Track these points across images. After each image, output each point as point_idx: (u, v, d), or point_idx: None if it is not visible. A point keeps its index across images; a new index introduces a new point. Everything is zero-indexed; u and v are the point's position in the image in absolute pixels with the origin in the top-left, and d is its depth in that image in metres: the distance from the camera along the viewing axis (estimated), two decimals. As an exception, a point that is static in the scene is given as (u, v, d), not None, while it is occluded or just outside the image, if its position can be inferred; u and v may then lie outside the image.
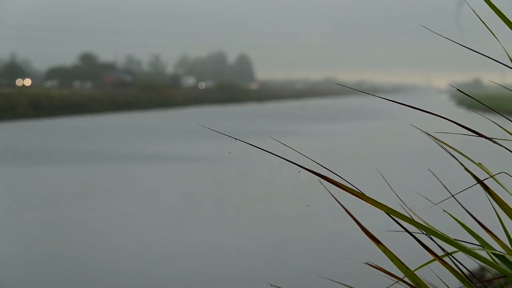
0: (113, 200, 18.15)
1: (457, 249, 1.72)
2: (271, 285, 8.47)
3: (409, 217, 1.65)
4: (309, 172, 1.64)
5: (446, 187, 2.13)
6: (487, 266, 1.80)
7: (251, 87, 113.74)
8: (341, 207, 1.81)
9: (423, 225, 1.61)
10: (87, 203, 17.77)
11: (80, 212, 16.29)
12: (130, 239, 13.64)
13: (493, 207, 1.84)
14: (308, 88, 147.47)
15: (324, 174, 1.64)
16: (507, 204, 1.78)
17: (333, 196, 2.03)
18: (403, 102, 1.88)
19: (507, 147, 1.77)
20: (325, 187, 2.07)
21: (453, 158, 1.92)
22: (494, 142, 1.73)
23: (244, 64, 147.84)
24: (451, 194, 1.97)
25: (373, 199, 1.60)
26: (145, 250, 12.72)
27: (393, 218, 1.68)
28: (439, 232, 1.78)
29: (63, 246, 13.19)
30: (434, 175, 2.37)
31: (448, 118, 1.70)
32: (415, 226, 1.60)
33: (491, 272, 2.25)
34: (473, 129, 1.74)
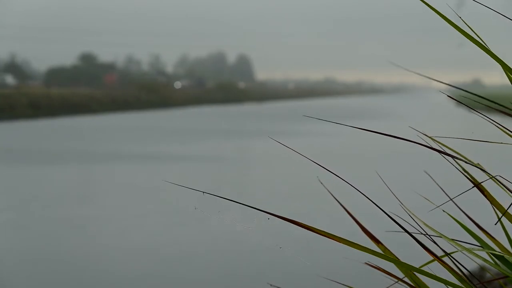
0: (113, 200, 18.15)
1: (456, 249, 1.72)
2: (270, 285, 8.46)
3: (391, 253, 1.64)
4: (281, 216, 1.65)
5: (446, 188, 2.13)
6: (487, 265, 1.80)
7: (239, 87, 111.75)
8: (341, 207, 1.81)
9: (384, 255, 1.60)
10: (87, 203, 17.77)
11: (79, 212, 16.29)
12: (129, 239, 13.64)
13: (493, 208, 1.84)
14: (300, 88, 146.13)
15: (295, 220, 1.64)
16: (503, 206, 1.77)
17: (333, 196, 2.02)
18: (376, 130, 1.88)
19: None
20: (324, 187, 2.06)
21: (452, 159, 1.91)
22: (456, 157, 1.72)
23: (244, 64, 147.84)
24: (449, 198, 1.96)
25: (345, 239, 1.59)
26: (146, 250, 12.72)
27: (393, 220, 1.68)
28: (439, 234, 1.77)
29: (64, 246, 13.18)
30: (431, 177, 2.37)
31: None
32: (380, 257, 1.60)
33: (490, 272, 2.25)
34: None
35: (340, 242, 1.60)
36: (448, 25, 1.68)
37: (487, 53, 1.64)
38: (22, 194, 19.38)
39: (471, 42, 1.65)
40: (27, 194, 19.30)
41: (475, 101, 1.95)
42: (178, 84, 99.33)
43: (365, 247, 1.59)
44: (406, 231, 1.62)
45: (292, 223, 1.63)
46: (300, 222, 1.63)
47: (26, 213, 16.33)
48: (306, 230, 1.64)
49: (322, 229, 1.64)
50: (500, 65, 1.67)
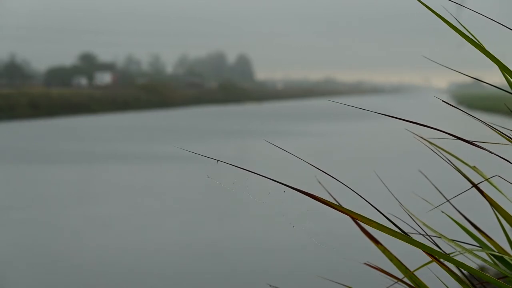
0: (113, 200, 18.15)
1: (456, 250, 1.71)
2: (270, 285, 8.46)
3: (401, 232, 1.64)
4: (297, 188, 1.63)
5: (443, 190, 2.13)
6: (486, 266, 1.80)
7: (240, 87, 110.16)
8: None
9: (408, 237, 1.59)
10: (86, 203, 17.77)
11: (79, 212, 16.29)
12: (127, 238, 13.65)
13: (493, 210, 1.83)
14: (289, 88, 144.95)
15: (309, 192, 1.63)
16: (501, 207, 1.77)
17: (332, 196, 2.02)
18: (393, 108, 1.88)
19: (500, 150, 1.76)
20: (324, 188, 2.06)
21: (449, 161, 1.91)
22: (481, 147, 1.72)
23: (244, 64, 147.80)
24: (446, 199, 1.96)
25: (361, 215, 1.59)
26: (146, 249, 12.73)
27: (390, 220, 1.68)
28: (438, 234, 1.77)
29: (63, 246, 13.18)
30: (427, 178, 2.36)
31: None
32: (402, 240, 1.59)
33: (490, 273, 2.25)
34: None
35: (354, 217, 1.59)
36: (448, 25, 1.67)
37: (484, 54, 1.64)
38: (20, 193, 19.38)
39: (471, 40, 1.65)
40: (26, 194, 19.31)
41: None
42: (103, 78, 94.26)
43: (380, 224, 1.58)
44: (403, 231, 1.62)
45: (308, 195, 1.62)
46: (316, 195, 1.62)
47: (24, 212, 16.34)
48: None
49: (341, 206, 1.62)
50: (498, 66, 1.66)
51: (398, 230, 1.62)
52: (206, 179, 21.98)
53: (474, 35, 1.67)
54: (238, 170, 1.73)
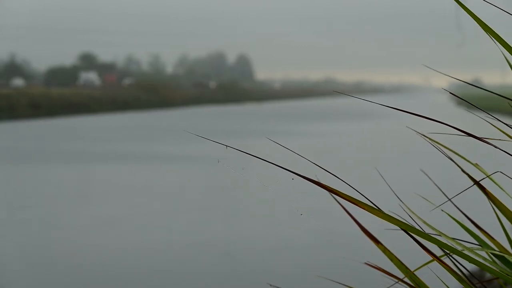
0: (113, 200, 18.15)
1: (456, 249, 1.71)
2: (270, 285, 8.46)
3: (406, 222, 1.64)
4: (304, 176, 1.63)
5: (444, 187, 2.13)
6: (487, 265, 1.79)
7: (240, 87, 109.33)
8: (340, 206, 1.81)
9: (417, 229, 1.59)
10: (86, 203, 17.77)
11: (79, 212, 16.29)
12: (127, 238, 13.64)
13: (493, 208, 1.83)
14: (289, 88, 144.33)
15: (318, 180, 1.63)
16: (504, 205, 1.77)
17: (332, 197, 2.02)
18: (399, 105, 1.88)
19: (501, 147, 1.76)
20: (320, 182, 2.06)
21: (451, 158, 1.91)
22: (486, 142, 1.72)
23: (244, 64, 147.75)
24: (448, 198, 1.96)
25: (369, 205, 1.59)
26: (146, 249, 12.73)
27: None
28: (438, 232, 1.77)
29: (63, 246, 13.18)
30: (428, 176, 2.36)
31: (444, 118, 1.70)
32: (410, 231, 1.59)
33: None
34: (471, 129, 1.73)
35: (363, 208, 1.59)
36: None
37: (492, 37, 1.62)
38: (21, 193, 19.38)
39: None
40: (26, 193, 19.31)
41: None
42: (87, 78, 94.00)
43: (388, 215, 1.58)
44: (403, 230, 1.62)
45: (316, 184, 1.62)
46: (324, 184, 1.63)
47: (24, 212, 16.33)
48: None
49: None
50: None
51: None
52: (206, 179, 21.97)
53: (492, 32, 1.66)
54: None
